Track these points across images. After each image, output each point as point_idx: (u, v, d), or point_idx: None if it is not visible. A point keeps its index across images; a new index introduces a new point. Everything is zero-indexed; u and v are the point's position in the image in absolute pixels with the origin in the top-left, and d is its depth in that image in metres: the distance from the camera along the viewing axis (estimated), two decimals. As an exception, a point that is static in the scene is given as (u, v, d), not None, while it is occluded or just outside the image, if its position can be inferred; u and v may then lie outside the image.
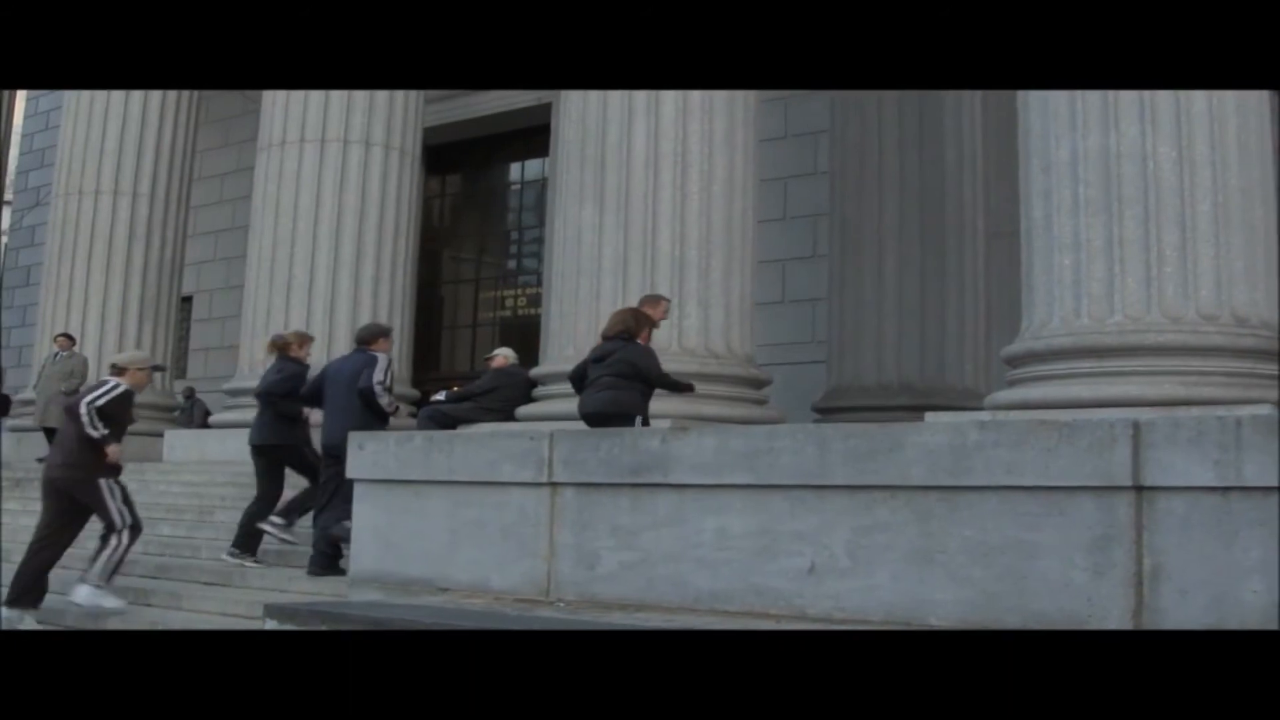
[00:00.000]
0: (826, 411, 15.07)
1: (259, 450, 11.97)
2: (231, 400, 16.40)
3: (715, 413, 12.04)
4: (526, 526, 7.17)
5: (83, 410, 9.99)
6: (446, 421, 12.22)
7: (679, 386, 11.04)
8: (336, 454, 10.26)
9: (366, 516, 8.07)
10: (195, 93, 19.98)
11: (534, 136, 21.94)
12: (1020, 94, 11.35)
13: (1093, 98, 10.54)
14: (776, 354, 15.38)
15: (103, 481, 10.13)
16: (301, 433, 11.88)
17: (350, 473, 8.30)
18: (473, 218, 24.39)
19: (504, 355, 13.87)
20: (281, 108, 16.93)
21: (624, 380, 10.46)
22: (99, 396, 10.14)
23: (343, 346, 15.54)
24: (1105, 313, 10.04)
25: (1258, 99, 10.85)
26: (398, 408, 11.70)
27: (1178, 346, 9.70)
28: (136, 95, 19.21)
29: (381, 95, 16.89)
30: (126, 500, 10.32)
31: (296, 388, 11.80)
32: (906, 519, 5.92)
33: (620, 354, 10.53)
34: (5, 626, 9.71)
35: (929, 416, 10.07)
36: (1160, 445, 5.46)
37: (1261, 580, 5.14)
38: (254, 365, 15.59)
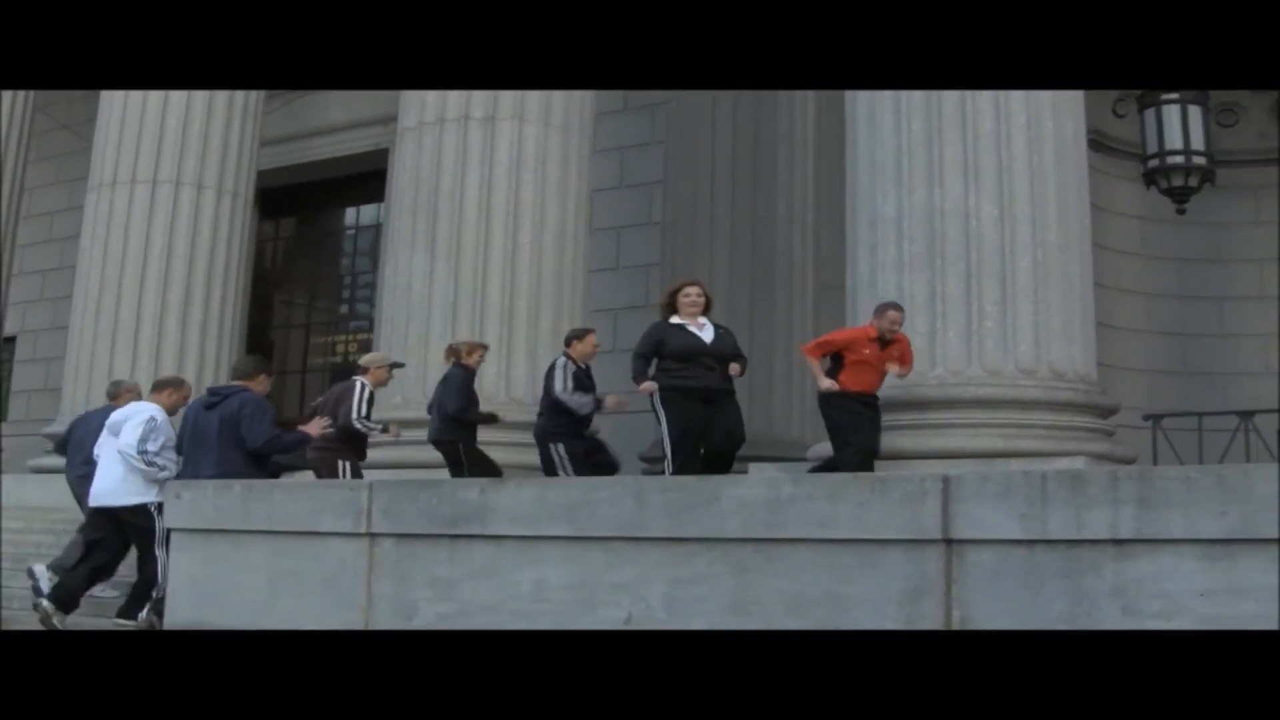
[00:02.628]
0: (654, 460, 15.08)
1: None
2: (52, 445, 16.02)
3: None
4: (345, 577, 7.09)
5: (355, 420, 11.05)
6: (272, 469, 12.08)
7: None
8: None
9: (184, 566, 7.94)
10: (25, 129, 19.53)
11: (369, 182, 21.72)
12: (849, 149, 11.53)
13: (919, 155, 10.74)
14: (607, 403, 15.37)
15: (340, 462, 11.06)
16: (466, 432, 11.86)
17: (168, 521, 8.18)
18: (306, 262, 24.09)
19: (329, 402, 13.78)
20: (114, 147, 16.63)
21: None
22: (361, 400, 11.23)
23: (168, 391, 15.28)
24: (927, 366, 10.21)
25: (1076, 155, 11.13)
26: (598, 401, 11.61)
27: (997, 400, 9.89)
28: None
29: (216, 137, 16.67)
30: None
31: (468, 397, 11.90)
32: (723, 571, 5.93)
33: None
34: None
35: (753, 468, 10.17)
36: (969, 499, 5.53)
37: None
38: (75, 408, 15.23)
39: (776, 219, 16.05)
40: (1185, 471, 5.52)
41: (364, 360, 11.93)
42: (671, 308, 10.68)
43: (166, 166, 16.44)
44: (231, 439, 9.74)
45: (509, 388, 12.73)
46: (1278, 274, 16.49)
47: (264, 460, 10.02)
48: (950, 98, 10.80)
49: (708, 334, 10.50)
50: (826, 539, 5.73)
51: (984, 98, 10.78)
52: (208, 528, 7.86)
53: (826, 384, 10.15)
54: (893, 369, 10.40)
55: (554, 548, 6.41)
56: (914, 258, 10.49)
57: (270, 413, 10.04)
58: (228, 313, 16.73)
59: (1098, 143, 16.45)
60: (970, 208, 10.44)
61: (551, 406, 11.14)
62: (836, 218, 12.48)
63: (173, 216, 16.34)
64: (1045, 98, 10.91)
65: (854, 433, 10.11)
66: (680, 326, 10.53)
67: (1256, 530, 4.95)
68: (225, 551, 7.72)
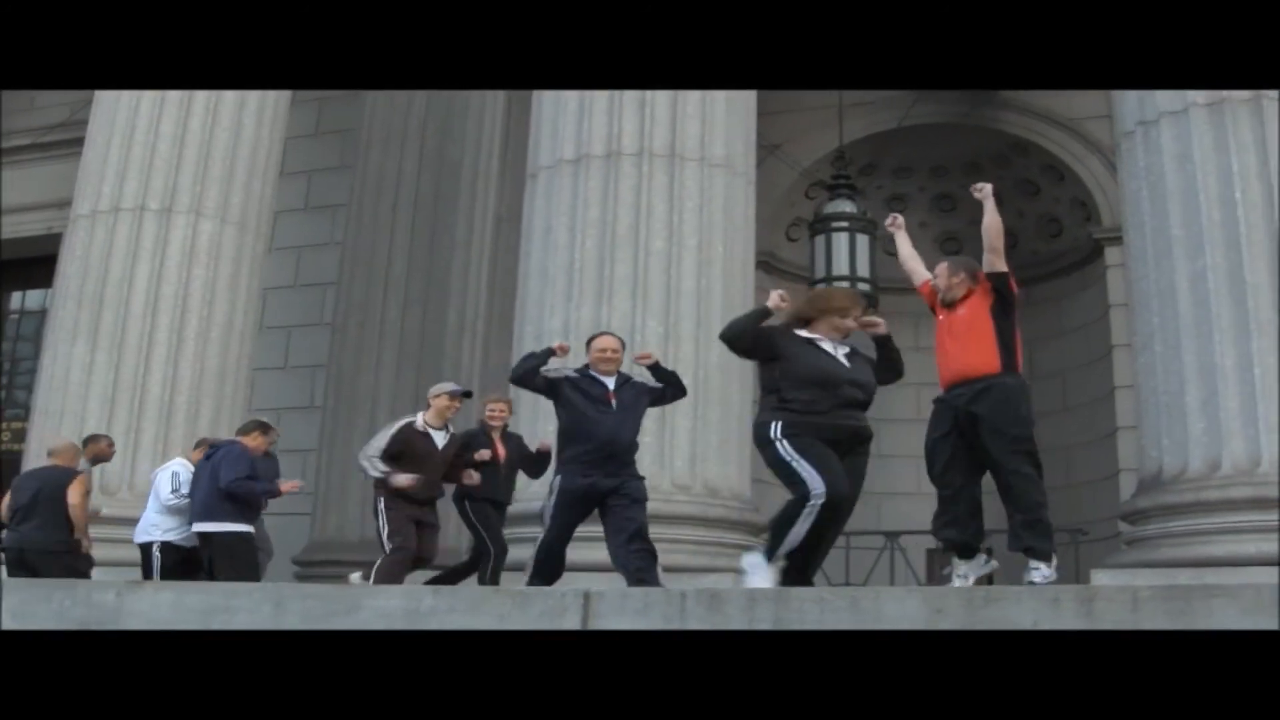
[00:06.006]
0: (307, 565, 14.84)
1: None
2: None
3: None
4: (-32, 679, 6.80)
5: (362, 456, 10.49)
6: None
7: None
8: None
9: None
10: None
11: (38, 266, 21.09)
12: (523, 261, 11.66)
13: (590, 271, 10.91)
14: (262, 503, 15.17)
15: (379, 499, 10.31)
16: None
17: None
18: (-35, 345, 23.25)
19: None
20: None
21: None
22: (385, 436, 10.44)
23: None
24: (590, 479, 10.29)
25: (744, 278, 11.44)
26: None
27: (650, 514, 9.97)
28: None
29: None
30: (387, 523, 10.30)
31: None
32: (361, 681, 5.89)
33: None
34: None
35: (407, 576, 10.08)
36: (609, 614, 5.61)
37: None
38: None
39: (447, 326, 16.08)
40: (819, 593, 5.70)
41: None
42: (806, 320, 7.79)
43: None
44: (214, 482, 10.55)
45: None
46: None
47: (243, 503, 10.62)
48: (625, 217, 11.02)
49: (842, 356, 7.72)
50: (466, 651, 5.73)
51: (658, 219, 11.02)
52: None
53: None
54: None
55: (190, 653, 6.28)
56: (578, 373, 10.61)
57: (245, 461, 10.66)
58: None
59: (769, 264, 16.94)
60: (637, 325, 10.62)
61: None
62: (507, 328, 12.56)
63: None
64: (718, 220, 11.21)
65: (930, 459, 8.24)
66: (811, 341, 7.67)
67: (884, 649, 5.12)
68: None
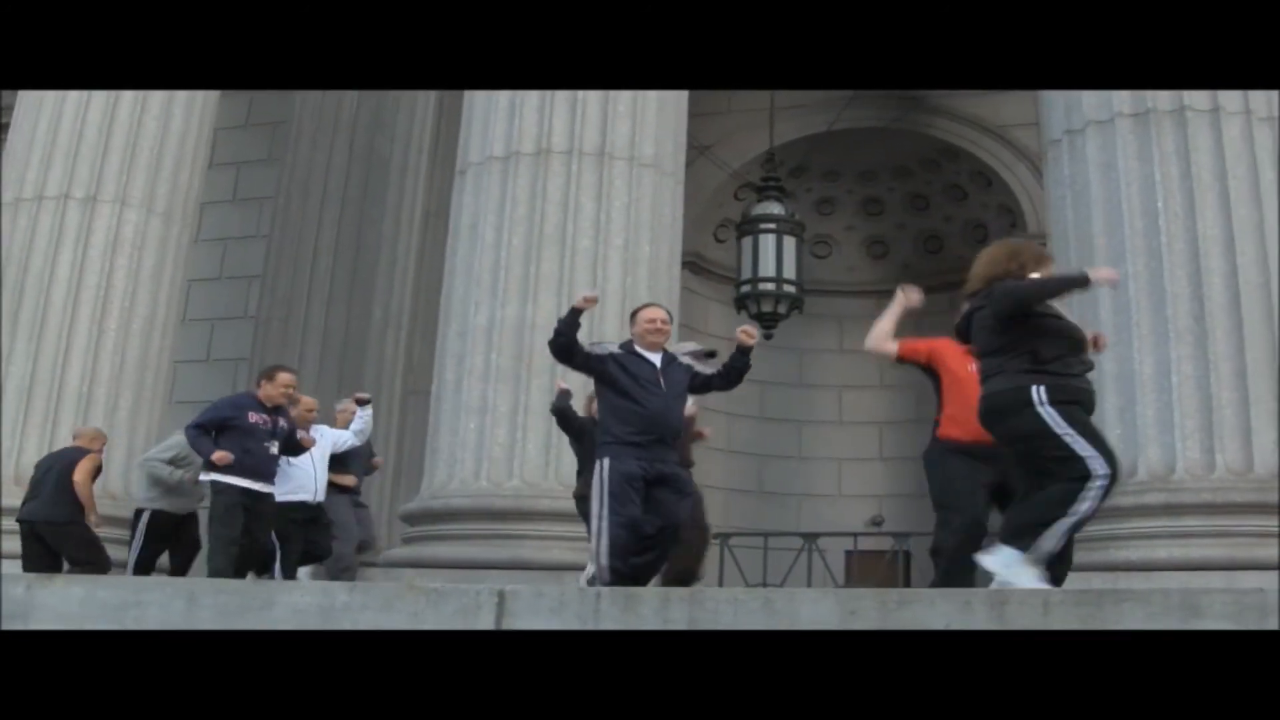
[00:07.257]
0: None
1: None
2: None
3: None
4: None
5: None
6: None
7: None
8: None
9: None
10: None
11: (-39, 253, 20.89)
12: (449, 257, 11.62)
13: (516, 269, 10.87)
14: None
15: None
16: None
17: None
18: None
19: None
20: None
21: None
22: None
23: None
24: (504, 476, 10.27)
25: (670, 278, 11.46)
26: None
27: (570, 513, 9.93)
28: None
29: None
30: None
31: None
32: (272, 677, 5.85)
33: None
34: None
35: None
36: (522, 614, 5.59)
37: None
38: None
39: (372, 321, 16.02)
40: (734, 594, 5.70)
41: None
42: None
43: None
44: None
45: (81, 476, 12.34)
46: (854, 400, 17.25)
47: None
48: (553, 215, 11.01)
49: None
50: (379, 649, 5.70)
51: (586, 218, 11.01)
52: None
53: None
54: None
55: (100, 648, 6.21)
56: (501, 369, 10.58)
57: (218, 408, 9.91)
58: None
59: (696, 265, 16.97)
60: (560, 323, 10.59)
61: None
62: (432, 324, 12.52)
63: None
64: (646, 220, 11.21)
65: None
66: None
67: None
68: None
